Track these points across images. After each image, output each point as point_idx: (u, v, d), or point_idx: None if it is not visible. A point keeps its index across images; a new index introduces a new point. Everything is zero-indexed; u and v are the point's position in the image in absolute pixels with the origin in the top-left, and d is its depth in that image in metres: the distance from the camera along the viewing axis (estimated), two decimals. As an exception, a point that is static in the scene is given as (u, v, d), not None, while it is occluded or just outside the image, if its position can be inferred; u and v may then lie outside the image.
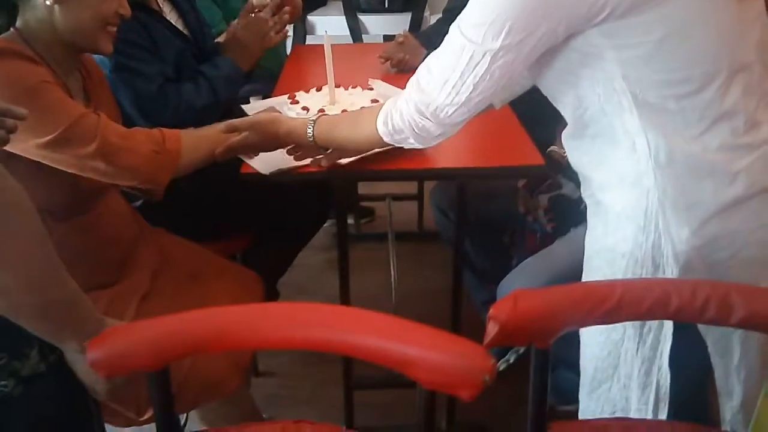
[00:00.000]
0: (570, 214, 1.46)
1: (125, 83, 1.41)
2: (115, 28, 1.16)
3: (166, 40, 1.48)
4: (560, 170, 1.59)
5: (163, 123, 1.31)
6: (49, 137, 1.04)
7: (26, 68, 1.04)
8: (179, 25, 1.58)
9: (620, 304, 0.72)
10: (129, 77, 1.39)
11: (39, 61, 1.06)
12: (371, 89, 1.53)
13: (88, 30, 1.12)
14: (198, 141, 1.23)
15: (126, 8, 1.17)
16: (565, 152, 1.60)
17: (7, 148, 1.00)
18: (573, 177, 1.51)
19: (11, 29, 1.09)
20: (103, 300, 1.18)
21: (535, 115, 1.69)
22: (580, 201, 1.44)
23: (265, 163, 1.30)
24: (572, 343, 1.46)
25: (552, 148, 1.62)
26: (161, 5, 1.55)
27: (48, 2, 1.06)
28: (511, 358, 1.78)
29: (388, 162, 1.31)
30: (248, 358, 1.29)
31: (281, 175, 1.28)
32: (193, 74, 1.52)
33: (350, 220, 2.55)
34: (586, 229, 1.43)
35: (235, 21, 1.68)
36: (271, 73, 1.91)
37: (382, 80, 1.66)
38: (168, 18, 1.55)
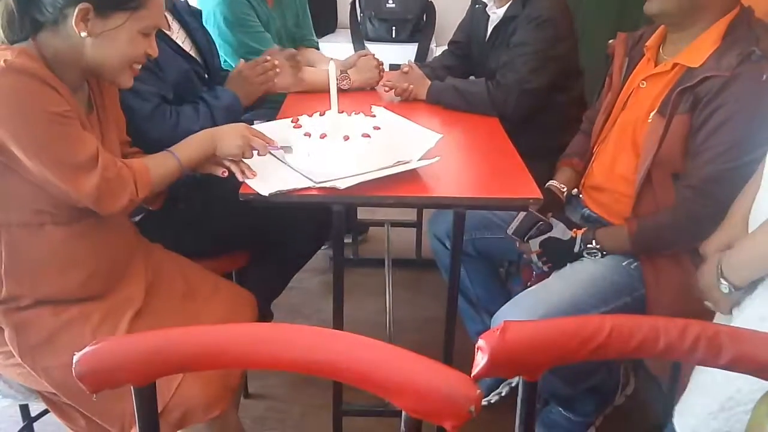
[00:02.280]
0: (563, 255, 1.46)
1: (124, 100, 1.43)
2: (140, 66, 1.19)
3: (169, 60, 1.50)
4: (558, 206, 1.60)
5: (156, 142, 1.35)
6: (53, 167, 1.06)
7: (48, 95, 1.04)
8: (187, 45, 1.61)
9: (609, 340, 0.72)
10: (125, 94, 1.42)
11: (52, 81, 1.06)
12: (374, 116, 1.55)
13: (117, 67, 1.14)
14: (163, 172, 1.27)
15: (154, 50, 1.18)
16: (563, 188, 1.62)
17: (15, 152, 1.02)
18: (562, 218, 1.52)
19: (29, 39, 1.09)
20: (97, 313, 1.18)
21: (536, 149, 1.71)
22: (571, 242, 1.45)
23: (265, 183, 1.31)
24: (564, 377, 1.46)
25: (551, 182, 1.64)
26: (170, 23, 1.58)
27: (83, 34, 1.07)
28: (503, 390, 1.77)
29: (387, 188, 1.32)
30: (238, 380, 1.28)
31: (281, 197, 1.29)
32: (195, 99, 1.55)
33: (348, 239, 2.56)
34: (582, 264, 1.44)
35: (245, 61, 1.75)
36: (277, 103, 1.94)
37: (385, 108, 1.68)
38: (176, 37, 1.58)
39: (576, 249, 1.44)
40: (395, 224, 2.64)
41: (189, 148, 1.30)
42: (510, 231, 1.52)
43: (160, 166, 1.26)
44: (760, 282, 1.02)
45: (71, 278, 1.17)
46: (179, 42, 1.58)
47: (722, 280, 1.06)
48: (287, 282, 1.86)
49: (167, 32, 1.55)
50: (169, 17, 1.58)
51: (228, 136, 1.33)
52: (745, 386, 0.96)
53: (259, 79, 1.68)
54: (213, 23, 1.96)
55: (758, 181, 1.07)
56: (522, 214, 1.51)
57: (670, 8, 1.34)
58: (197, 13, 1.69)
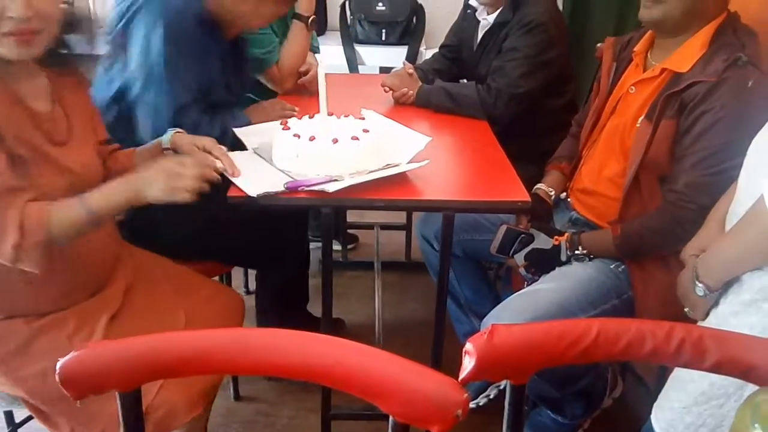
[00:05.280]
0: (550, 262, 1.47)
1: (158, 82, 1.47)
2: (15, 35, 1.02)
3: (213, 64, 1.56)
4: (545, 210, 1.61)
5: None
6: None
7: None
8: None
9: (596, 343, 0.72)
10: (167, 76, 1.46)
11: None
12: (363, 119, 1.55)
13: None
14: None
15: (15, 9, 1.00)
16: (551, 191, 1.63)
17: None
18: (541, 227, 1.52)
19: None
20: (72, 318, 1.16)
21: (527, 153, 1.72)
22: (556, 250, 1.46)
23: (253, 185, 1.30)
24: (552, 380, 1.46)
25: (539, 186, 1.64)
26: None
27: None
28: (492, 393, 1.77)
29: (376, 191, 1.32)
30: (220, 379, 1.27)
31: (269, 199, 1.29)
32: (213, 110, 1.59)
33: (336, 246, 2.56)
34: (570, 267, 1.44)
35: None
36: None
37: (374, 111, 1.68)
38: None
39: (563, 257, 1.45)
40: (384, 227, 2.64)
41: (102, 197, 1.11)
42: (493, 249, 1.53)
43: (63, 212, 1.07)
44: (734, 281, 1.03)
45: (46, 294, 1.15)
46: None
47: (698, 283, 1.07)
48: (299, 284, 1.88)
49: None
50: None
51: (149, 180, 1.14)
52: (718, 380, 0.97)
53: (276, 115, 1.72)
54: None
55: (736, 185, 1.08)
56: (502, 230, 1.51)
57: (674, 13, 1.34)
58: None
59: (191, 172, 1.14)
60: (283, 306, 1.89)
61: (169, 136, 1.36)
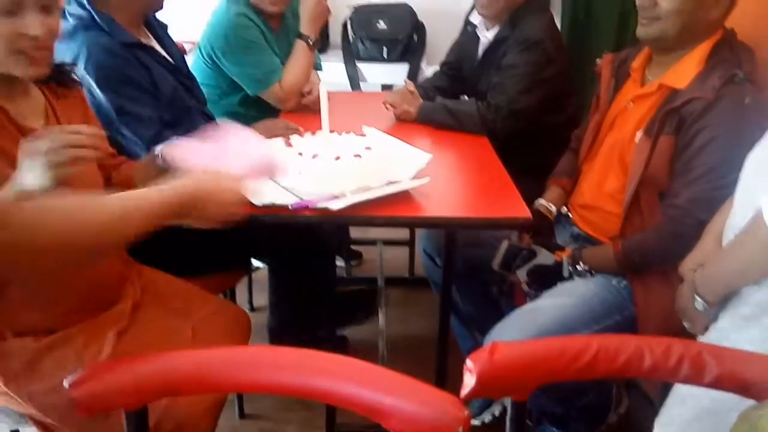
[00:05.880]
0: (553, 278, 1.47)
1: (127, 126, 1.45)
2: (34, 53, 1.02)
3: (163, 78, 1.54)
4: (545, 225, 1.62)
5: None
6: None
7: None
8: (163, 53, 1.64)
9: (596, 359, 0.73)
10: (130, 121, 1.43)
11: None
12: (364, 136, 1.57)
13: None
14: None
15: (35, 28, 1.00)
16: (552, 206, 1.64)
17: None
18: (543, 242, 1.53)
19: None
20: (80, 335, 1.17)
21: (527, 168, 1.73)
22: (558, 266, 1.46)
23: (258, 195, 1.31)
24: (556, 396, 1.46)
25: (539, 201, 1.65)
26: (148, 36, 1.61)
27: None
28: (496, 410, 1.77)
29: (378, 208, 1.34)
30: (221, 405, 1.28)
31: (272, 215, 1.30)
32: (187, 115, 1.57)
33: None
34: (572, 283, 1.45)
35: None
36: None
37: (376, 128, 1.70)
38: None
39: (565, 273, 1.45)
40: (388, 242, 2.64)
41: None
42: (495, 266, 1.54)
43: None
44: (733, 295, 1.04)
45: (54, 312, 1.16)
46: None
47: (697, 297, 1.08)
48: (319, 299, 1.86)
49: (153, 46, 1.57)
50: (144, 30, 1.61)
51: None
52: (719, 396, 0.97)
53: (278, 133, 1.72)
54: (220, 48, 1.99)
55: (732, 200, 1.09)
56: (503, 246, 1.52)
57: (670, 31, 1.36)
58: (165, 26, 1.72)
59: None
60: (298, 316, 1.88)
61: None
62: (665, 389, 1.29)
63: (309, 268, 1.77)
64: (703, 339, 1.08)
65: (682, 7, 1.33)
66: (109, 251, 1.03)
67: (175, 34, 1.76)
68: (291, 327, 1.91)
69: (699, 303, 1.08)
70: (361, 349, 2.11)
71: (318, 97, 1.76)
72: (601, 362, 0.72)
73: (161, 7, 1.62)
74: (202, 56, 2.04)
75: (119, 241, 0.93)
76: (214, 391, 1.02)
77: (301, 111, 2.02)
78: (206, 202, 1.01)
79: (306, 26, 1.99)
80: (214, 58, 2.01)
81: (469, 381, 0.72)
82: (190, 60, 2.00)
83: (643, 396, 1.81)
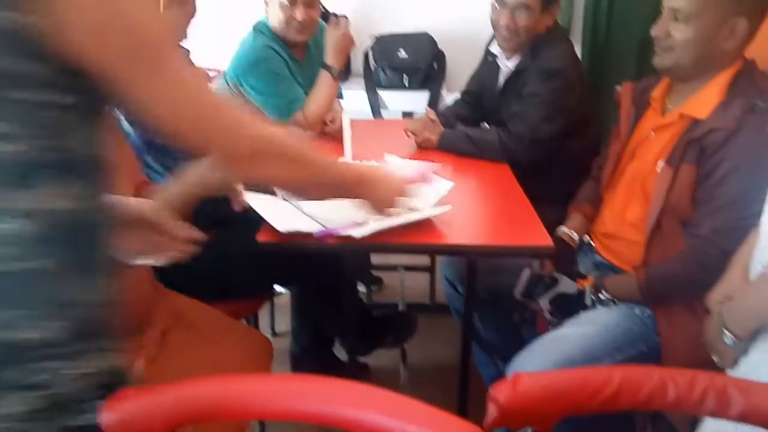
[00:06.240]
0: (575, 306, 1.47)
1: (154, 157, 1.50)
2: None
3: None
4: (568, 253, 1.61)
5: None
6: None
7: None
8: None
9: (619, 391, 0.72)
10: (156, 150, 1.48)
11: None
12: (386, 164, 1.59)
13: None
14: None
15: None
16: (574, 234, 1.64)
17: None
18: (565, 270, 1.53)
19: None
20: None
21: (548, 195, 1.74)
22: (580, 294, 1.46)
23: (282, 222, 1.34)
24: (579, 427, 1.44)
25: (562, 229, 1.65)
26: None
27: None
28: (519, 440, 1.74)
29: (399, 235, 1.35)
30: (245, 430, 1.29)
31: (296, 242, 1.32)
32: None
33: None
34: (595, 312, 1.44)
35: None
36: None
37: (398, 156, 1.72)
38: None
39: (588, 302, 1.45)
40: (409, 268, 2.65)
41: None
42: (517, 294, 1.54)
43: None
44: (764, 328, 1.02)
45: None
46: None
47: (725, 331, 1.06)
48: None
49: None
50: None
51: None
52: (747, 430, 0.95)
53: None
54: (246, 77, 2.04)
55: (759, 231, 1.08)
56: (525, 275, 1.52)
57: (684, 62, 1.37)
58: (187, 51, 1.76)
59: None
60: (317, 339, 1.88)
61: None
62: (693, 422, 1.27)
63: (331, 294, 1.79)
64: (734, 373, 1.06)
65: (696, 37, 1.34)
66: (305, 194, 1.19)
67: (199, 61, 1.80)
68: (312, 353, 1.92)
69: (728, 337, 1.06)
70: (381, 377, 2.10)
71: (341, 126, 1.80)
72: (624, 394, 0.72)
73: (185, 37, 1.68)
74: (228, 84, 2.10)
75: (317, 189, 1.10)
76: (239, 418, 1.03)
77: (323, 138, 2.05)
78: (379, 184, 1.18)
79: (331, 57, 2.03)
80: (240, 87, 2.06)
81: (491, 411, 0.72)
82: (214, 87, 2.06)
83: (670, 429, 1.77)
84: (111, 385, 0.76)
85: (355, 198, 1.20)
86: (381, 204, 1.23)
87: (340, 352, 2.06)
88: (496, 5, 1.93)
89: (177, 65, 0.72)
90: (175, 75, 0.72)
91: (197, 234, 1.08)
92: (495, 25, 1.96)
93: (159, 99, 0.72)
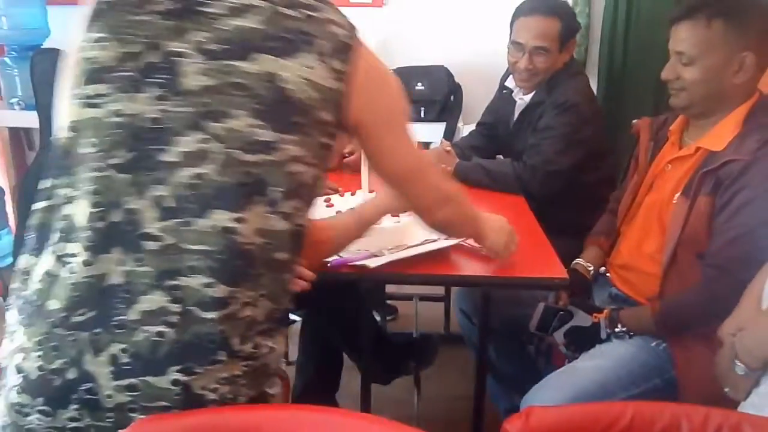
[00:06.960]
0: (590, 340, 1.46)
1: None
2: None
3: None
4: (584, 285, 1.61)
5: None
6: None
7: None
8: None
9: (631, 426, 0.72)
10: None
11: None
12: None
13: None
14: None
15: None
16: (590, 266, 1.64)
17: None
18: (580, 303, 1.52)
19: None
20: None
21: (564, 227, 1.74)
22: (595, 328, 1.45)
23: None
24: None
25: (577, 261, 1.65)
26: None
27: None
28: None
29: (414, 266, 1.36)
30: None
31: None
32: None
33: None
34: (610, 345, 1.43)
35: None
36: None
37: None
38: None
39: (603, 335, 1.44)
40: (423, 298, 2.65)
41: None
42: (532, 327, 1.54)
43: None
44: None
45: None
46: None
47: (737, 362, 1.06)
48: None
49: None
50: None
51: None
52: None
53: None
54: None
55: None
56: (540, 308, 1.52)
57: (697, 100, 1.39)
58: None
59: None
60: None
61: None
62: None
63: (348, 315, 1.79)
64: (745, 404, 1.05)
65: (705, 77, 1.36)
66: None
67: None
68: (314, 388, 1.91)
69: (740, 368, 1.06)
70: (395, 408, 2.09)
71: (359, 157, 1.82)
72: (637, 430, 0.72)
73: None
74: None
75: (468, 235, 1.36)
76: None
77: (340, 170, 2.08)
78: (501, 233, 1.35)
79: None
80: None
81: (504, 444, 0.73)
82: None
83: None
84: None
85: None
86: (504, 251, 1.35)
87: (353, 385, 2.05)
88: (514, 49, 1.95)
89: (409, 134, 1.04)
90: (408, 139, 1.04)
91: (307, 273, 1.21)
92: (513, 68, 1.99)
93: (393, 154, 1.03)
